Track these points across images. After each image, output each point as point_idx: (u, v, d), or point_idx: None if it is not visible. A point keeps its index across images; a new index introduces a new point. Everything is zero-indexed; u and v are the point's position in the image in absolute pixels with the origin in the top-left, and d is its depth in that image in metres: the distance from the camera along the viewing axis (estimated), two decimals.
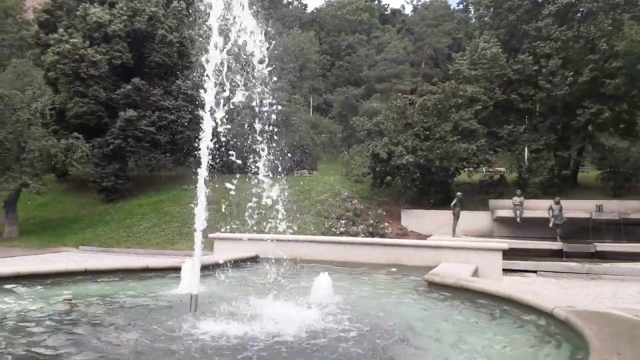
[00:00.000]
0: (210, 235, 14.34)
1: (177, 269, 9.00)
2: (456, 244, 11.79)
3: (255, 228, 24.20)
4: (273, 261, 8.41)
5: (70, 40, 28.35)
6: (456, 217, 20.51)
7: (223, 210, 8.13)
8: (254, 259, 11.89)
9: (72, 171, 29.33)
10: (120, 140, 28.81)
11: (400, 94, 27.57)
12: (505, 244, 10.91)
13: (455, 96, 25.33)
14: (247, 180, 6.44)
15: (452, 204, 20.50)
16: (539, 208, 21.67)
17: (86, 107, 28.76)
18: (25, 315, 5.63)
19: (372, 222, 23.58)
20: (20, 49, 47.27)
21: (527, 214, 21.86)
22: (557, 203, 20.20)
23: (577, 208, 21.48)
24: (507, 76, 26.50)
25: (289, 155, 36.74)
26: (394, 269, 10.32)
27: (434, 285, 8.34)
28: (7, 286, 6.95)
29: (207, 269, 9.52)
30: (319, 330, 5.29)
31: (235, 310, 5.94)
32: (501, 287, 7.42)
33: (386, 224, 23.67)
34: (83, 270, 8.45)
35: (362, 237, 20.72)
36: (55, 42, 28.95)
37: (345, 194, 26.52)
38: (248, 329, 5.16)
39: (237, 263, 11.15)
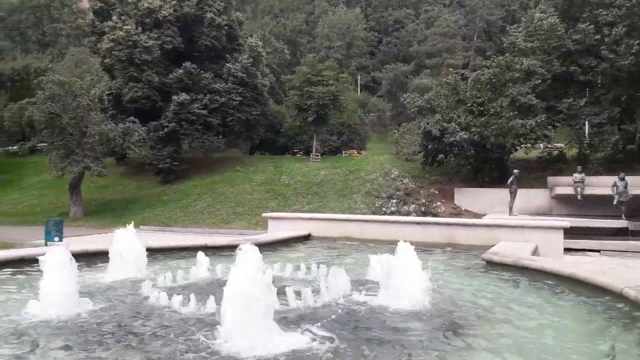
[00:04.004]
0: (264, 214, 14.58)
1: (232, 247, 9.30)
2: (514, 222, 11.44)
3: (306, 207, 24.47)
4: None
5: (124, 27, 29.21)
6: (513, 195, 19.86)
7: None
8: (307, 238, 12.01)
9: (130, 154, 30.44)
10: (174, 123, 29.61)
11: (451, 69, 26.74)
12: (567, 222, 10.50)
13: (511, 70, 24.32)
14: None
15: (508, 182, 19.83)
16: (601, 185, 20.67)
17: (141, 92, 29.68)
18: None
19: (424, 201, 23.23)
20: (77, 38, 49.14)
21: (589, 191, 20.88)
22: (622, 179, 19.17)
23: None
24: (566, 47, 25.19)
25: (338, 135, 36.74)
26: (449, 248, 10.16)
27: (492, 265, 8.14)
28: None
29: (262, 247, 9.73)
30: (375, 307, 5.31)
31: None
32: (564, 266, 7.16)
33: (439, 203, 23.27)
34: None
35: (414, 216, 20.47)
36: (110, 30, 29.93)
37: (396, 173, 26.22)
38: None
39: (290, 241, 11.30)
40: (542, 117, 23.42)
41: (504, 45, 29.14)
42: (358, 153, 37.89)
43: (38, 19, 53.32)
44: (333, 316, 5.13)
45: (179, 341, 4.25)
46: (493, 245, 9.45)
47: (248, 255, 4.26)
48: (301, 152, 37.07)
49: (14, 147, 37.87)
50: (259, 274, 4.25)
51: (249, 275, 4.18)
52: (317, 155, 32.32)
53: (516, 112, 23.07)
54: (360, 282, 6.73)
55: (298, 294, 5.57)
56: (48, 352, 4.02)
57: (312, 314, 5.18)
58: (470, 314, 5.22)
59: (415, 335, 4.56)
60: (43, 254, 5.23)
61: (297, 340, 4.19)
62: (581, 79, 25.53)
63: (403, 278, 5.58)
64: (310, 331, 4.51)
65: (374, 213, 21.64)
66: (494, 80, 24.22)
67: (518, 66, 24.18)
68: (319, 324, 4.73)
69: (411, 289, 5.53)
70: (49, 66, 37.31)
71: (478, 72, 25.40)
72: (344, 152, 37.30)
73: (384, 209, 22.80)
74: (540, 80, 24.22)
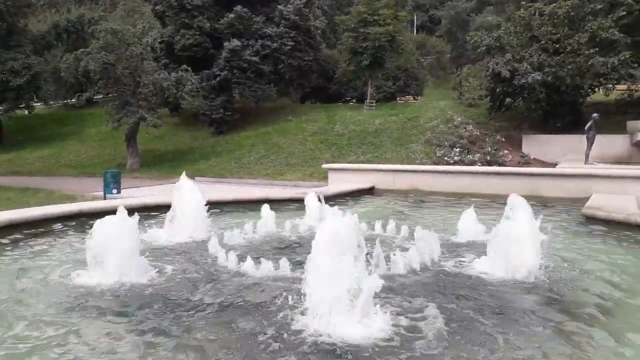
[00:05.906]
0: (324, 165, 13.84)
1: (294, 201, 8.91)
2: (610, 172, 10.15)
3: (361, 158, 23.25)
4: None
5: None
6: (590, 141, 18.12)
7: None
8: (370, 190, 11.29)
9: (184, 104, 30.20)
10: (226, 71, 28.92)
11: (523, 2, 24.25)
12: None
13: (592, 1, 21.80)
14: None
15: (586, 127, 18.06)
16: None
17: (192, 39, 29.02)
18: None
19: (489, 149, 21.76)
20: None
21: None
22: None
23: None
24: None
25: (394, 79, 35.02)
26: (533, 202, 9.10)
27: (594, 221, 7.10)
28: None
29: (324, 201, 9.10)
30: None
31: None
32: None
33: (505, 151, 21.73)
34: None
35: (479, 165, 19.19)
36: None
37: (459, 119, 24.63)
38: None
39: (353, 194, 10.59)
40: (626, 53, 21.01)
41: None
42: (414, 99, 36.18)
43: None
44: (430, 286, 4.38)
45: (257, 314, 3.70)
46: (585, 198, 8.37)
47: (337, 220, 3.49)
48: (354, 100, 35.72)
49: (72, 100, 38.59)
50: (349, 242, 3.50)
51: (337, 244, 3.44)
52: (372, 103, 30.97)
53: (596, 49, 20.78)
54: (449, 243, 5.92)
55: (386, 258, 4.83)
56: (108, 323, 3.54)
57: (404, 283, 4.45)
58: (599, 286, 4.31)
59: (537, 315, 3.73)
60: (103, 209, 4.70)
61: (390, 317, 3.48)
62: None
63: (512, 241, 4.69)
64: (406, 305, 3.80)
65: (435, 163, 20.49)
66: (572, 13, 21.81)
67: None
68: (414, 296, 4.01)
69: (520, 254, 4.65)
70: (102, 15, 37.17)
71: (554, 4, 22.94)
72: (398, 98, 35.69)
73: (445, 158, 21.54)
74: (625, 12, 21.60)
